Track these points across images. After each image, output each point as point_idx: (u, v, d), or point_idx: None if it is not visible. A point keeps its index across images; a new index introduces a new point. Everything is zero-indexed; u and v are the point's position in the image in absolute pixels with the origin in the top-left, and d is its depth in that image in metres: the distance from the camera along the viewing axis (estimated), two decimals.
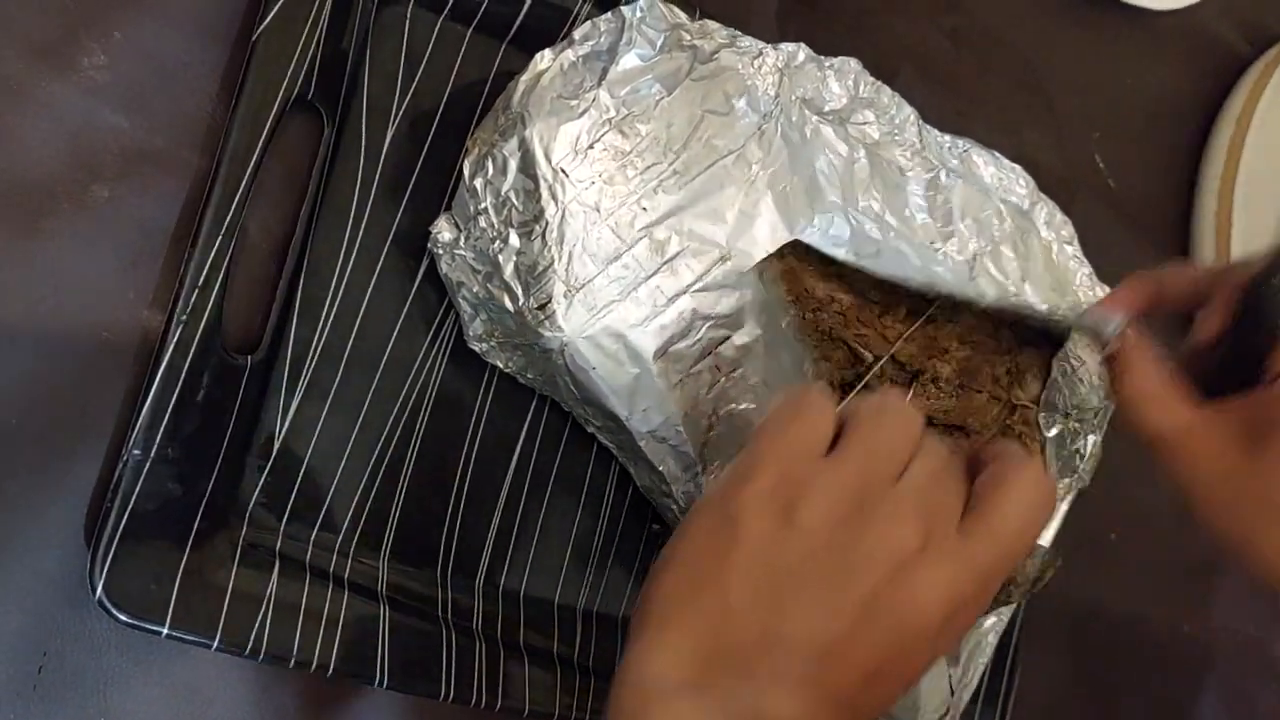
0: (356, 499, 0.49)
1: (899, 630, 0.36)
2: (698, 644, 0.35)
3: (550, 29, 0.51)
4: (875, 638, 0.35)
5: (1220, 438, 0.45)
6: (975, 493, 0.38)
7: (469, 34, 0.51)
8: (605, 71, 0.45)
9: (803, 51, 0.49)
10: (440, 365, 0.51)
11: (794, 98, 0.48)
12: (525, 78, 0.46)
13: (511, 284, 0.46)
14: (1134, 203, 0.72)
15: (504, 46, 0.52)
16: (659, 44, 0.46)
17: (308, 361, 0.48)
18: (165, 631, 0.43)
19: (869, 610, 0.35)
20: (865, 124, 0.51)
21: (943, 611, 0.36)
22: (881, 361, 0.52)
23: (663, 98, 0.45)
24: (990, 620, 0.55)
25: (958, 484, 0.38)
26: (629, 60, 0.45)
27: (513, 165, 0.45)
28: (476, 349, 0.51)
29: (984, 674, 0.57)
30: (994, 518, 0.37)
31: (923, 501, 0.37)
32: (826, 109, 0.50)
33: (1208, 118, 0.75)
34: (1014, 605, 0.57)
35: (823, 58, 0.50)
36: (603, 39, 0.46)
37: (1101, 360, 0.50)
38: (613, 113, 0.44)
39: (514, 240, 0.45)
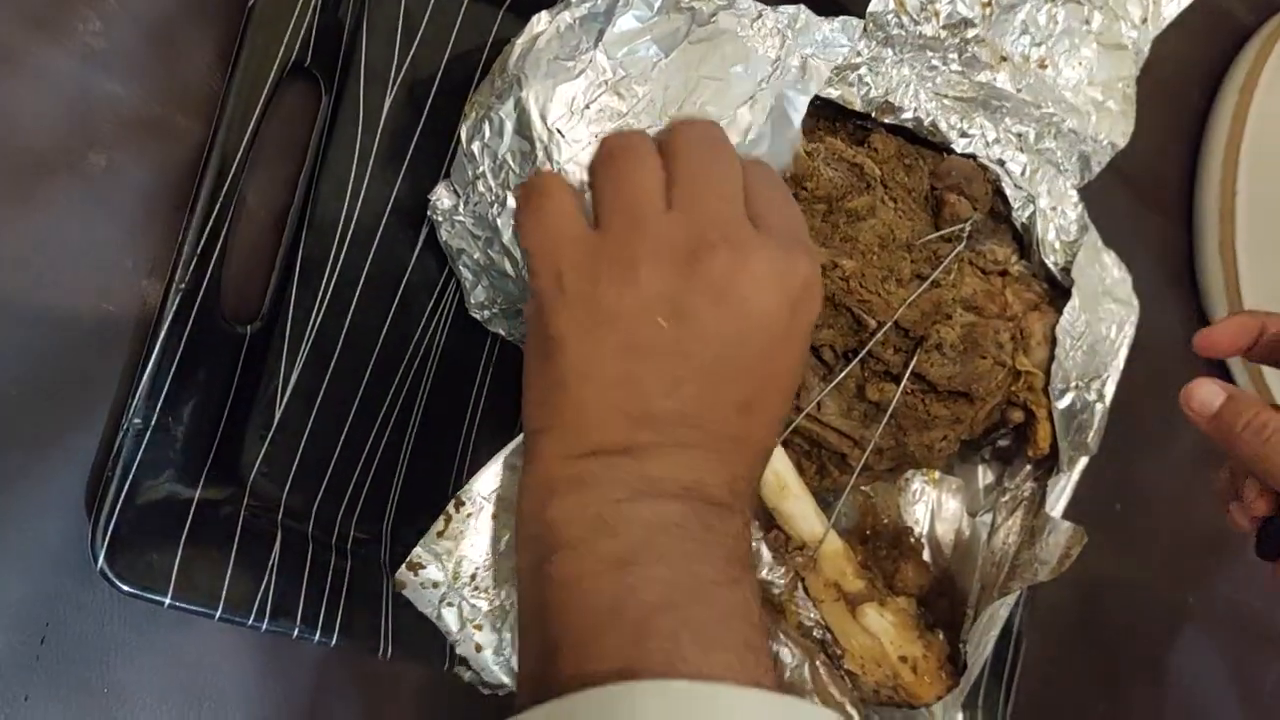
0: (359, 469, 0.49)
1: (747, 340, 0.37)
2: (574, 441, 0.37)
3: None
4: (725, 357, 0.37)
5: None
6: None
7: (466, 1, 0.51)
8: (602, 33, 0.44)
9: (804, 14, 0.48)
10: (442, 334, 0.51)
11: (794, 62, 0.47)
12: (521, 40, 0.45)
13: (511, 248, 0.46)
14: (1139, 171, 0.71)
15: (502, 12, 0.52)
16: (656, 5, 0.45)
17: (308, 331, 0.48)
18: (168, 601, 0.43)
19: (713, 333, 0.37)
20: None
21: (775, 293, 0.37)
22: (885, 328, 0.52)
23: (660, 60, 0.45)
24: (1007, 597, 0.55)
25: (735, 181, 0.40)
26: (626, 22, 0.45)
27: (509, 127, 0.45)
28: (478, 317, 0.50)
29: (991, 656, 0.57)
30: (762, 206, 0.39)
31: (718, 220, 0.38)
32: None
33: (1212, 86, 0.75)
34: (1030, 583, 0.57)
35: (825, 18, 0.49)
36: (600, 1, 0.46)
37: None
38: (609, 74, 0.44)
39: (512, 204, 0.45)
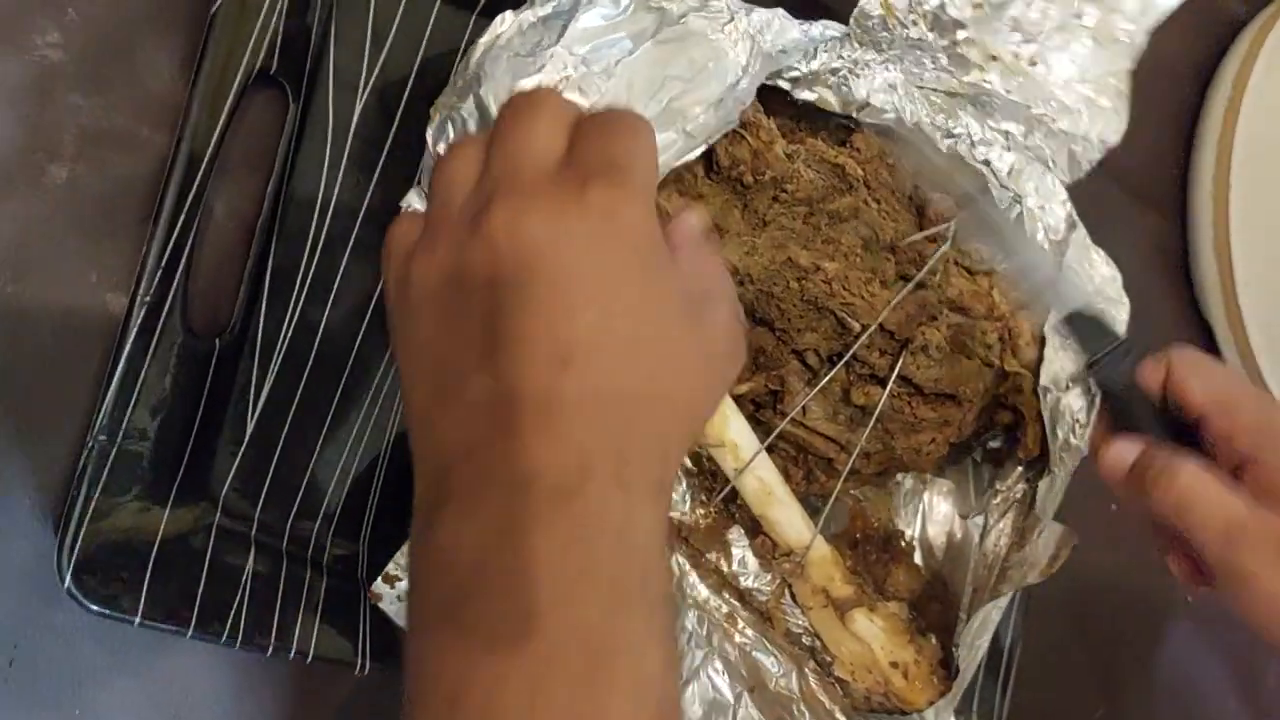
0: (334, 482, 0.48)
1: (532, 284, 0.32)
2: (433, 475, 0.33)
3: None
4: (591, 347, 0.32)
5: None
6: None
7: (438, 4, 0.50)
8: (565, 29, 0.44)
9: (779, 19, 0.47)
10: None
11: (761, 66, 0.47)
12: (484, 40, 0.45)
13: None
14: (1131, 166, 0.70)
15: (474, 16, 0.51)
16: (624, 3, 0.44)
17: (279, 343, 0.47)
18: (138, 620, 0.42)
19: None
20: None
21: (555, 229, 0.32)
22: (870, 331, 0.51)
23: (624, 57, 0.44)
24: (998, 599, 0.54)
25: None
26: (590, 19, 0.44)
27: (471, 126, 0.44)
28: None
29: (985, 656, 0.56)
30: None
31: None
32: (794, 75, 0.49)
33: (1204, 80, 0.73)
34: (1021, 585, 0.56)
35: (802, 21, 0.48)
36: (565, 0, 0.45)
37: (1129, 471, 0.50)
38: (571, 71, 0.43)
39: None
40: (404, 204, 0.47)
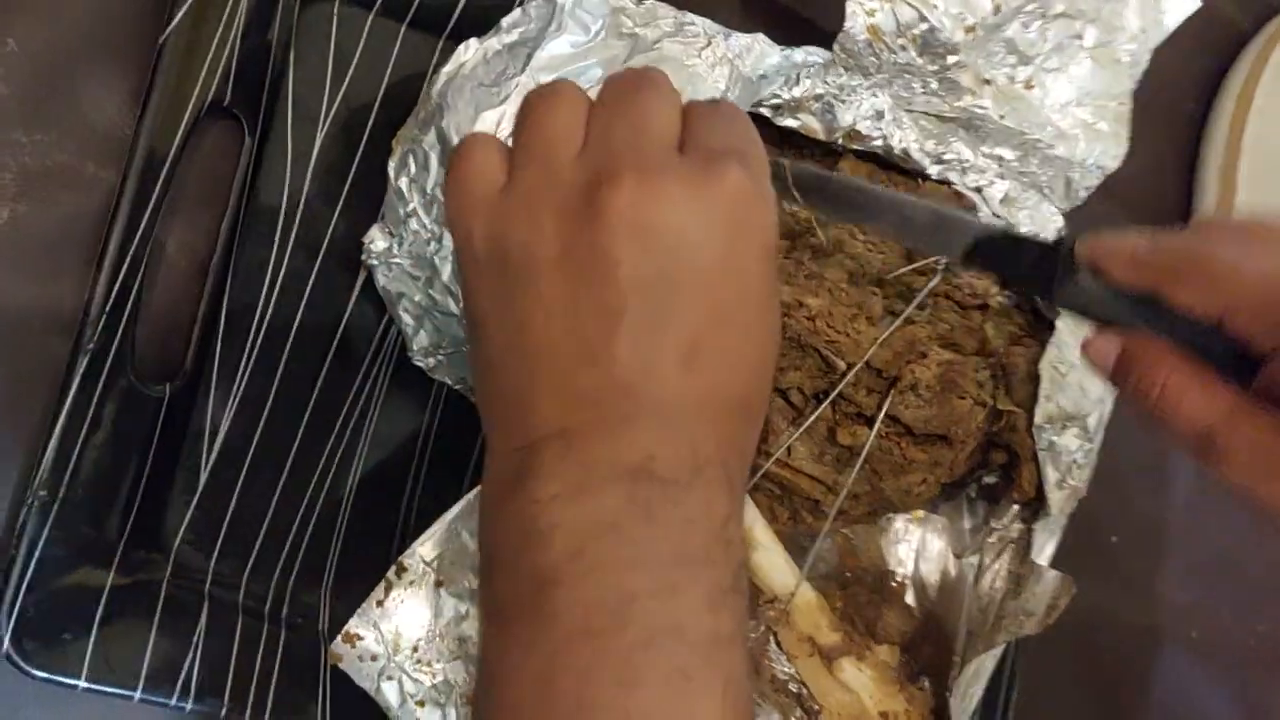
0: (293, 533, 0.46)
1: (672, 277, 0.31)
2: (511, 435, 0.32)
3: (492, 21, 0.48)
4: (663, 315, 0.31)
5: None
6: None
7: (403, 30, 0.48)
8: (530, 58, 0.41)
9: (759, 44, 0.45)
10: (382, 386, 0.48)
11: (744, 90, 0.44)
12: (447, 69, 0.42)
13: (453, 286, 0.43)
14: (1132, 187, 0.68)
15: (441, 42, 0.49)
16: (594, 30, 0.42)
17: (235, 387, 0.45)
18: (82, 685, 0.40)
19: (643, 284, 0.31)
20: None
21: (697, 214, 0.31)
22: (855, 369, 0.49)
23: (595, 86, 0.42)
24: (994, 650, 0.52)
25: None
26: (558, 46, 0.42)
27: (434, 159, 0.42)
28: (422, 365, 0.47)
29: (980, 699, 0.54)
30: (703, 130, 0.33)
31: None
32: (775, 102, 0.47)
33: (1207, 96, 0.71)
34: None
35: (783, 48, 0.46)
36: (532, 26, 0.43)
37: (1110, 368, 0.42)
38: None
39: (449, 240, 0.42)
40: (367, 240, 0.45)
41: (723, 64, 0.43)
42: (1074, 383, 0.52)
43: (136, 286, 0.42)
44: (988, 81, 0.50)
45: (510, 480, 0.31)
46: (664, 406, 0.31)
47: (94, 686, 0.40)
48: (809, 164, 0.49)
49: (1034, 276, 0.39)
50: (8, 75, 0.42)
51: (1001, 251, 0.41)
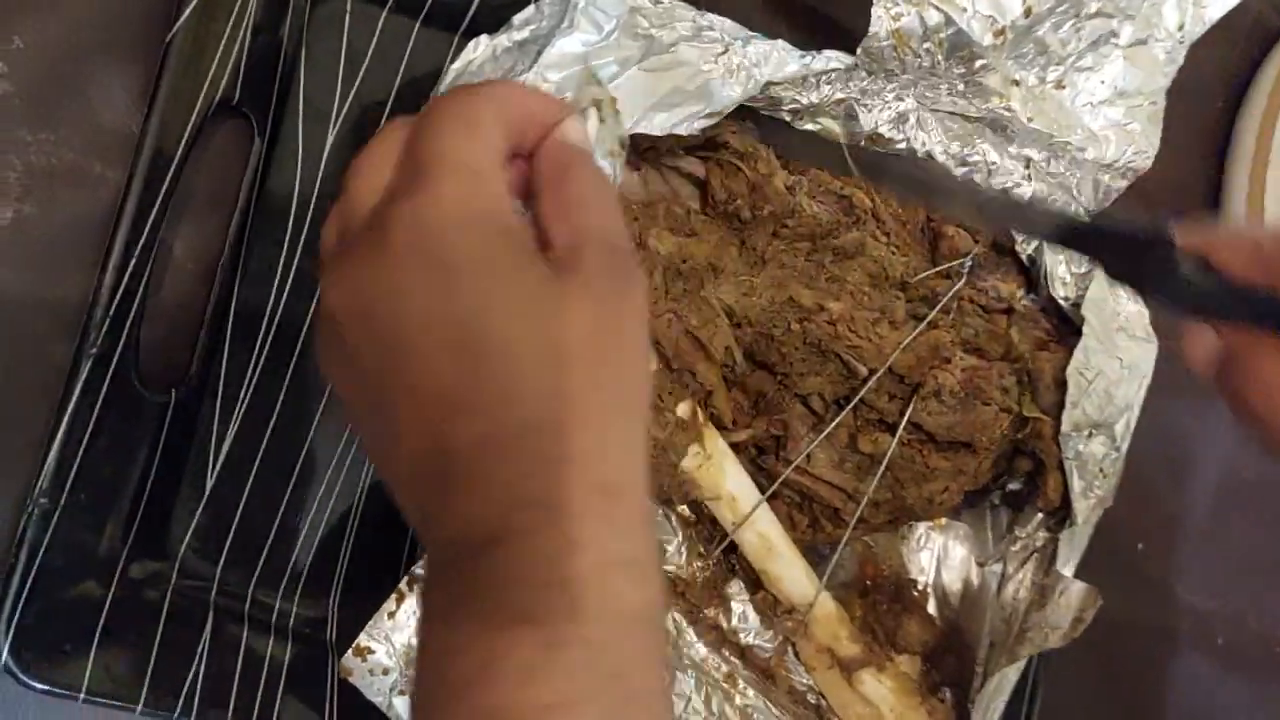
0: (302, 539, 0.45)
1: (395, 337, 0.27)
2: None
3: (508, 18, 0.47)
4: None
5: None
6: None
7: (417, 27, 0.47)
8: (539, 54, 0.40)
9: (778, 51, 0.43)
10: None
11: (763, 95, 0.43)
12: (456, 66, 0.41)
13: None
14: (1159, 187, 0.66)
15: (456, 39, 0.47)
16: (606, 28, 0.41)
17: (242, 392, 0.44)
18: (82, 698, 0.39)
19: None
20: None
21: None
22: (878, 375, 0.48)
23: (613, 81, 0.41)
24: (1017, 662, 0.51)
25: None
26: (568, 44, 0.41)
27: None
28: None
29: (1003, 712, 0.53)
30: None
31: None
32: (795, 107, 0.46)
33: (1237, 94, 0.70)
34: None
35: (805, 53, 0.44)
36: (544, 23, 0.42)
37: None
38: None
39: None
40: None
41: (739, 72, 0.42)
42: (1101, 389, 0.51)
43: (141, 289, 0.41)
44: (1016, 83, 0.49)
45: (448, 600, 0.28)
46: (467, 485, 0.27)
47: (95, 699, 0.40)
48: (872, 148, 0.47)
49: (1129, 268, 0.36)
50: (14, 73, 0.41)
51: (1088, 238, 0.38)
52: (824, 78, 0.45)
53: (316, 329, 0.29)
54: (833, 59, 0.44)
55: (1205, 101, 0.70)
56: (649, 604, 0.28)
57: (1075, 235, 0.38)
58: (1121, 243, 0.37)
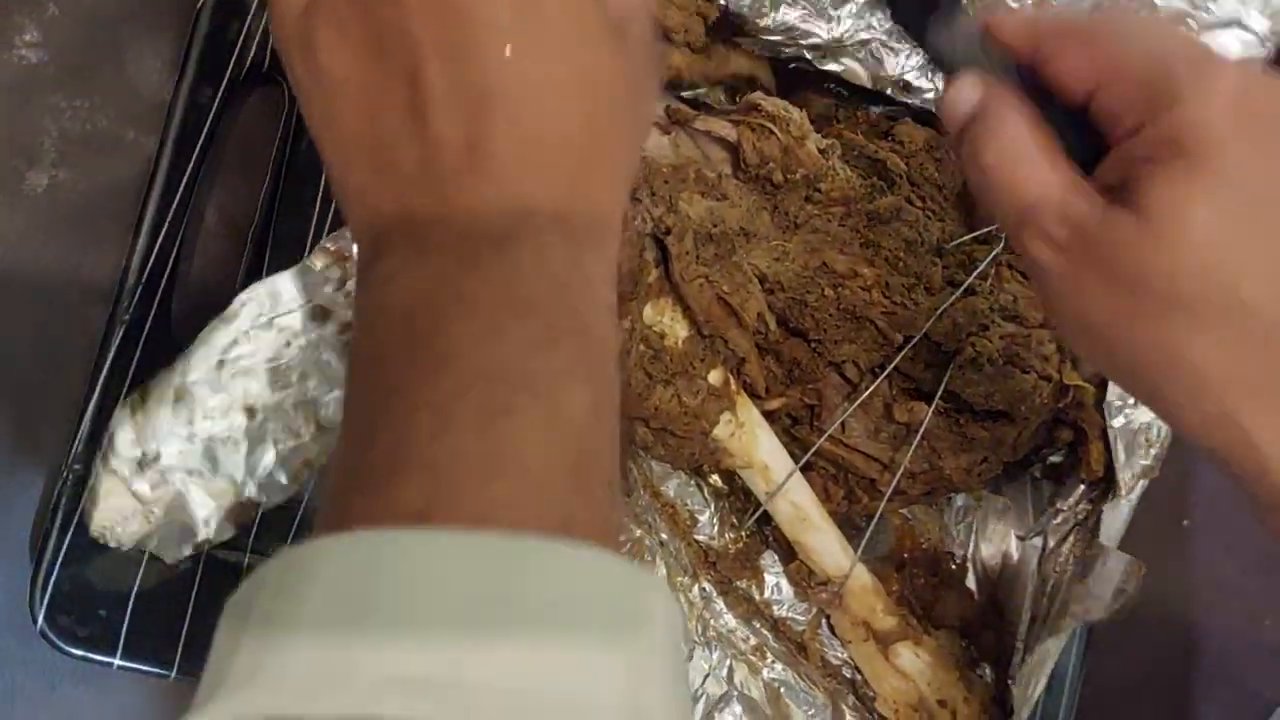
0: None
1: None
2: (370, 240, 0.31)
3: None
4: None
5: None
6: None
7: None
8: None
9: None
10: None
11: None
12: None
13: None
14: None
15: None
16: None
17: None
18: (117, 663, 0.40)
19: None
20: None
21: None
22: (914, 343, 0.47)
23: None
24: (1058, 635, 0.50)
25: None
26: None
27: None
28: None
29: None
30: None
31: None
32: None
33: None
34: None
35: None
36: None
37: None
38: None
39: None
40: None
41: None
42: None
43: (174, 255, 0.41)
44: None
45: (361, 270, 0.31)
46: (473, 160, 0.30)
47: (129, 664, 0.40)
48: None
49: (914, 14, 0.35)
50: (48, 41, 0.41)
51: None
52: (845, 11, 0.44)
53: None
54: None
55: None
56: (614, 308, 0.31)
57: None
58: None
